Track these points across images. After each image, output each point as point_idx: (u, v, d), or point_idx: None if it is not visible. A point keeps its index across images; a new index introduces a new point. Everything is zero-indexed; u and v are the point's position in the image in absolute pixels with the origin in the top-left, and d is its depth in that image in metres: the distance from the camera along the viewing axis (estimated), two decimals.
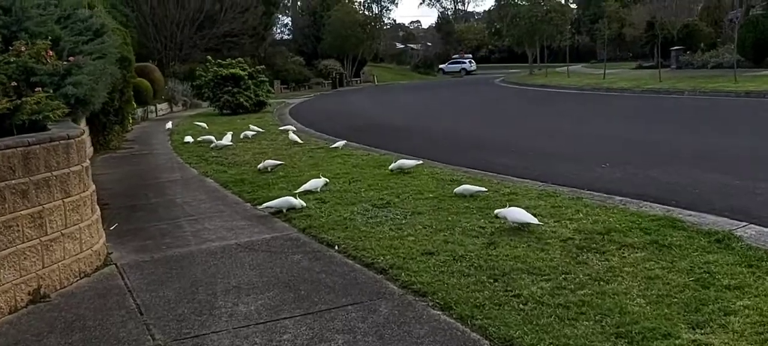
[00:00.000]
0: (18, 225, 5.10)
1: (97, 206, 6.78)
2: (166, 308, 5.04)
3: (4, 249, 4.97)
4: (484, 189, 8.26)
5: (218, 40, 43.83)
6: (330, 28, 56.09)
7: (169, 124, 20.86)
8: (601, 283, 5.00)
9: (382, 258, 5.84)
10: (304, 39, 61.71)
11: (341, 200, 8.42)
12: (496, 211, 6.86)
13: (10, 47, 7.34)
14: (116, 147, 16.32)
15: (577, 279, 5.09)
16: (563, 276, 5.16)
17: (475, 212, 7.34)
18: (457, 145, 14.55)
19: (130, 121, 21.31)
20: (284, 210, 7.89)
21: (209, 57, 29.69)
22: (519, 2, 51.89)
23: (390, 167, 10.19)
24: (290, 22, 69.37)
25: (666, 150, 12.29)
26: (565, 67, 47.98)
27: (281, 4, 60.45)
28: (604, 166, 10.57)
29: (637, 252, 5.71)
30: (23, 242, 5.15)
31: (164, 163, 13.42)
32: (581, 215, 7.02)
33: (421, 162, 10.56)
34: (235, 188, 9.78)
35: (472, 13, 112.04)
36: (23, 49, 7.25)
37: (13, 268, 5.04)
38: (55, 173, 5.56)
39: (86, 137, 6.55)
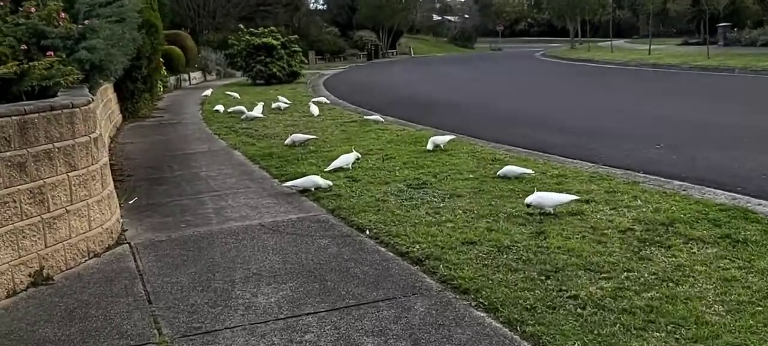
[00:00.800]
0: (15, 201, 4.61)
1: (111, 180, 6.31)
2: (178, 296, 4.53)
3: (0, 228, 4.49)
4: (529, 171, 7.60)
5: (251, 9, 43.40)
6: None
7: (207, 92, 20.48)
8: (670, 284, 4.35)
9: (417, 246, 5.24)
10: (338, 9, 60.83)
11: (374, 178, 7.83)
12: (527, 199, 6.16)
13: (20, 8, 6.88)
14: (146, 115, 15.97)
15: (642, 279, 4.45)
16: (625, 274, 4.52)
17: (521, 196, 6.68)
18: (496, 120, 13.84)
19: (162, 89, 20.98)
20: (312, 189, 7.33)
21: (241, 26, 29.21)
22: None
23: (427, 147, 9.53)
24: None
25: (725, 131, 11.41)
26: (607, 42, 46.47)
27: None
28: (658, 147, 9.80)
29: (707, 248, 5.03)
30: (22, 220, 4.67)
31: (192, 133, 12.97)
32: (639, 201, 6.33)
33: (454, 137, 9.93)
34: (262, 162, 9.26)
35: None
36: (33, 10, 6.79)
37: (11, 247, 4.57)
38: (57, 145, 5.06)
39: (94, 106, 6.03)
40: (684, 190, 6.89)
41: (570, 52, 45.28)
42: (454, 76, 30.83)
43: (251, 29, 28.04)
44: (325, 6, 65.34)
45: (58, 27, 7.05)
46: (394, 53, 60.03)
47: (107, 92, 13.28)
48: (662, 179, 7.49)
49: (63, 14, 7.37)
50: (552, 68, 33.58)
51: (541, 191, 6.83)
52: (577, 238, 5.31)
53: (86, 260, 5.34)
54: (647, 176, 7.66)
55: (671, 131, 11.43)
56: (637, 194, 6.61)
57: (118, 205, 6.41)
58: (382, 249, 5.35)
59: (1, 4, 6.83)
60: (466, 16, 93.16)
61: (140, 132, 13.31)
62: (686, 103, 16.65)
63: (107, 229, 5.72)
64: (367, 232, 5.79)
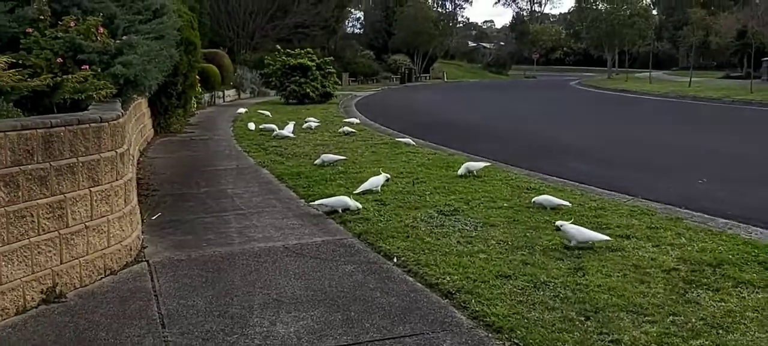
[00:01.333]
0: (33, 215, 4.45)
1: (135, 196, 6.15)
2: (193, 321, 4.30)
3: (14, 242, 4.33)
4: (566, 203, 7.27)
5: (289, 31, 43.67)
6: (402, 24, 55.31)
7: (240, 110, 20.48)
8: (720, 331, 4.01)
9: (448, 278, 4.96)
10: (375, 33, 61.07)
11: (403, 203, 7.57)
12: (558, 222, 5.89)
13: (60, 22, 6.83)
14: (177, 130, 15.92)
15: (689, 324, 4.11)
16: (671, 318, 4.18)
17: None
18: (530, 148, 13.50)
19: (195, 106, 21.02)
20: (339, 210, 7.10)
21: (279, 47, 29.35)
22: (599, 5, 49.81)
23: (458, 172, 9.26)
24: (362, 17, 68.95)
25: None
26: (644, 73, 45.78)
27: None
28: (701, 182, 9.38)
29: (758, 292, 4.66)
30: (38, 235, 4.50)
31: (222, 150, 12.87)
32: (683, 239, 5.97)
33: (488, 163, 9.60)
34: (290, 182, 9.07)
35: (547, 14, 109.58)
36: (72, 24, 6.74)
37: (24, 263, 4.39)
38: (81, 159, 4.90)
39: (124, 121, 5.89)
40: (730, 228, 6.51)
41: (606, 81, 44.68)
42: (488, 101, 30.51)
43: (288, 50, 28.15)
44: (362, 30, 65.73)
45: (95, 42, 6.99)
46: (427, 77, 59.94)
47: (141, 107, 13.27)
48: (706, 215, 7.10)
49: (102, 29, 7.33)
50: (588, 98, 33.05)
51: (578, 223, 6.53)
52: (618, 276, 4.97)
53: (102, 278, 5.15)
54: (690, 212, 7.28)
55: (715, 165, 10.99)
56: (681, 231, 6.25)
57: (140, 221, 6.25)
58: (410, 279, 5.08)
59: (41, 17, 6.78)
60: (502, 43, 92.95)
61: (170, 147, 13.24)
62: (729, 137, 16.11)
63: (126, 246, 5.54)
64: (395, 259, 5.52)
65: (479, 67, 79.24)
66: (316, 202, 7.27)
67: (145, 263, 5.57)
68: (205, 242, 6.16)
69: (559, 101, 30.98)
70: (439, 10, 66.36)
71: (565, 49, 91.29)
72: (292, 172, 9.81)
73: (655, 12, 58.84)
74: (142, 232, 6.29)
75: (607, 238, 5.80)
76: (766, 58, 35.24)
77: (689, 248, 5.65)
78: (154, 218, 7.15)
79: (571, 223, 5.90)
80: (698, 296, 4.57)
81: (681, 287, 4.72)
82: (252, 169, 10.52)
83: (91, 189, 5.08)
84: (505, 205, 7.43)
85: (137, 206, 6.18)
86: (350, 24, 66.96)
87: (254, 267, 5.39)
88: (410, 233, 6.24)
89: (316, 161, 10.44)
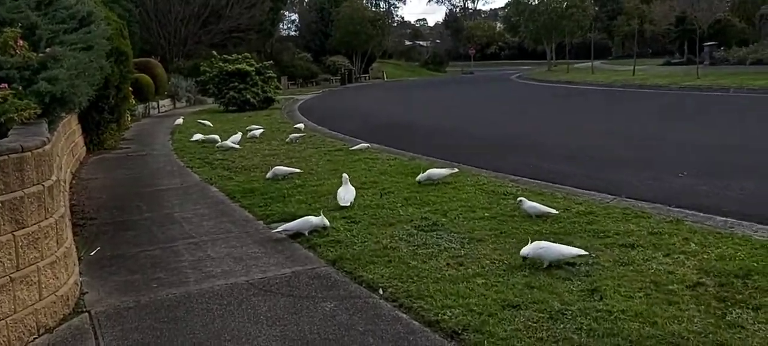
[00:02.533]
0: None
1: (69, 233, 5.24)
2: None
3: None
4: (553, 210, 6.66)
5: (224, 36, 42.30)
6: (339, 24, 54.51)
7: (178, 120, 19.33)
8: None
9: (448, 313, 4.25)
10: (311, 35, 60.08)
11: (375, 218, 6.84)
12: (523, 250, 5.15)
13: None
14: (112, 147, 14.77)
15: None
16: None
17: (552, 238, 5.75)
18: (491, 147, 12.94)
19: (129, 118, 19.78)
20: (306, 233, 6.33)
21: (214, 52, 28.20)
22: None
23: (418, 179, 8.57)
24: (297, 18, 67.81)
25: (747, 156, 10.64)
26: (582, 64, 46.26)
27: (288, 0, 58.89)
28: (681, 176, 8.95)
29: None
30: None
31: (163, 166, 11.85)
32: (693, 245, 5.43)
33: (454, 170, 8.93)
34: (244, 201, 8.21)
35: (480, 11, 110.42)
36: None
37: None
38: (0, 199, 4.00)
39: (51, 147, 4.99)
40: (731, 227, 6.03)
41: (548, 74, 44.87)
42: (433, 100, 30.00)
43: (225, 55, 27.03)
44: (298, 32, 64.65)
45: (14, 56, 6.07)
46: (367, 78, 59.33)
47: (70, 124, 12.14)
48: (702, 214, 6.62)
49: (21, 42, 6.41)
50: (534, 91, 32.88)
51: (570, 232, 5.95)
52: (640, 296, 4.37)
53: (35, 339, 4.26)
54: (683, 210, 6.80)
55: (689, 157, 10.61)
56: (687, 235, 5.71)
57: (76, 262, 5.34)
58: (404, 316, 4.35)
59: None
60: (438, 40, 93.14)
61: (106, 166, 12.15)
62: (692, 125, 15.83)
63: (62, 296, 4.65)
64: (381, 291, 4.79)
65: (417, 65, 79.10)
66: (279, 228, 6.45)
67: (86, 314, 4.68)
68: (155, 282, 5.29)
69: (504, 97, 30.71)
70: (374, 9, 65.87)
71: (500, 43, 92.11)
72: (243, 188, 8.95)
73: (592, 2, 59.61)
74: (80, 273, 5.38)
75: (582, 252, 5.17)
76: (707, 43, 35.90)
77: (705, 256, 5.10)
78: (92, 253, 6.22)
79: (536, 243, 5.23)
80: (739, 317, 3.99)
81: (716, 308, 4.15)
82: (198, 187, 9.60)
83: (14, 233, 4.20)
84: (486, 215, 6.78)
85: (73, 244, 5.26)
86: (285, 26, 65.86)
87: (217, 312, 4.57)
88: (391, 256, 5.51)
89: (268, 175, 9.60)
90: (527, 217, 6.54)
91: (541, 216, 6.53)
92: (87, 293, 5.09)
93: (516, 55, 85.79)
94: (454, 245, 5.74)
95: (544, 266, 5.00)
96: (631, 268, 4.94)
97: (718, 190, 8.03)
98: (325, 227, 6.42)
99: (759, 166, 9.60)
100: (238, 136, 14.27)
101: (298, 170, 9.80)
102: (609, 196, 7.65)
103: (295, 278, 5.22)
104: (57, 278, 4.63)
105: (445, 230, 6.27)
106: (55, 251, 4.67)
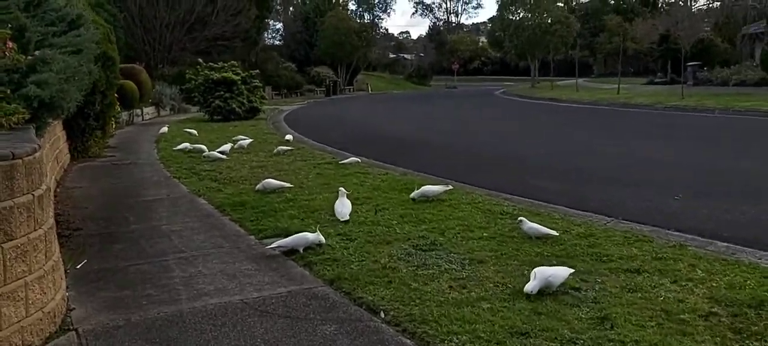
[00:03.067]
0: None
1: (57, 246, 5.01)
2: None
3: None
4: (553, 232, 6.53)
5: (208, 43, 41.96)
6: (324, 34, 54.42)
7: (163, 129, 19.05)
8: None
9: (455, 340, 4.10)
10: (296, 45, 59.93)
11: (371, 236, 6.67)
12: (528, 286, 4.90)
13: None
14: (96, 154, 14.48)
15: None
16: None
17: (554, 261, 5.63)
18: (481, 164, 12.85)
19: (114, 125, 19.47)
20: (300, 250, 6.15)
21: (200, 60, 27.92)
22: (520, 13, 50.36)
23: (412, 196, 8.42)
24: (282, 28, 67.61)
25: (740, 179, 10.61)
26: (565, 81, 46.50)
27: (273, 9, 58.67)
28: (677, 198, 8.88)
29: None
30: None
31: (149, 176, 11.60)
32: (700, 271, 5.33)
33: (449, 187, 8.79)
34: (234, 214, 8.00)
35: (463, 25, 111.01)
36: None
37: None
38: None
39: (41, 155, 4.77)
40: (734, 254, 5.95)
41: (533, 90, 45.02)
42: (420, 115, 29.87)
43: (210, 63, 26.74)
44: (282, 41, 64.44)
45: (3, 58, 5.85)
46: (352, 89, 59.29)
47: (55, 130, 11.86)
48: (703, 239, 6.53)
49: (10, 43, 6.19)
50: (521, 108, 32.86)
51: (572, 255, 5.83)
52: (652, 327, 4.24)
53: None
54: (683, 234, 6.72)
55: (682, 178, 10.56)
56: (692, 261, 5.61)
57: (63, 276, 5.11)
58: (408, 342, 4.19)
59: None
60: (422, 54, 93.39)
61: (91, 174, 11.87)
62: (681, 145, 15.79)
63: (49, 312, 4.43)
64: (383, 314, 4.62)
65: (401, 78, 79.24)
66: (274, 244, 6.26)
67: (74, 332, 4.47)
68: (145, 299, 5.08)
69: (492, 113, 30.67)
70: (359, 21, 65.85)
71: (483, 58, 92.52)
72: (233, 201, 8.74)
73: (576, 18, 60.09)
74: (67, 288, 5.16)
75: (571, 270, 5.10)
76: (690, 63, 36.19)
77: (714, 285, 4.99)
78: (78, 266, 6.00)
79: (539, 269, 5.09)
80: None
81: (731, 339, 4.03)
82: (186, 199, 9.37)
83: (2, 246, 3.99)
84: (484, 234, 6.64)
85: (60, 258, 5.04)
86: (270, 35, 65.63)
87: (212, 334, 4.37)
88: (391, 276, 5.35)
89: (258, 187, 9.40)
90: (527, 238, 6.41)
91: (542, 238, 6.41)
92: (74, 309, 4.87)
93: (498, 71, 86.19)
94: (455, 266, 5.59)
95: (551, 291, 4.87)
96: (640, 295, 4.82)
97: (717, 213, 7.96)
98: (320, 244, 6.26)
99: (754, 189, 9.57)
100: (228, 146, 14.07)
101: (288, 185, 9.59)
102: (606, 217, 7.55)
103: (292, 297, 5.04)
104: (44, 293, 4.42)
105: (444, 249, 6.12)
106: (44, 265, 4.46)
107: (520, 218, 6.66)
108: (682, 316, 4.39)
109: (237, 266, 5.90)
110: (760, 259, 5.77)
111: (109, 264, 6.06)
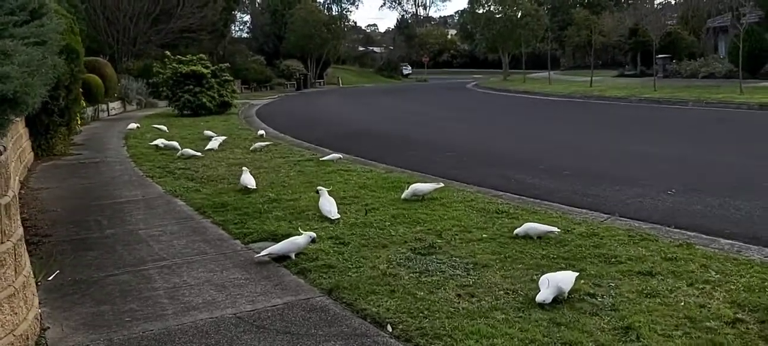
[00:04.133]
0: None
1: (27, 259, 4.57)
2: None
3: None
4: (554, 229, 6.27)
5: (175, 36, 41.07)
6: (293, 26, 53.75)
7: (132, 125, 18.40)
8: None
9: None
10: (264, 37, 59.16)
11: (366, 239, 6.32)
12: (539, 297, 4.55)
13: None
14: (62, 152, 13.87)
15: None
16: None
17: (562, 263, 5.35)
18: (465, 159, 12.56)
19: (79, 121, 18.79)
20: (292, 256, 5.78)
21: (167, 53, 27.19)
22: (491, 6, 50.29)
23: (403, 196, 8.04)
24: (250, 20, 66.67)
25: (727, 172, 10.49)
26: (536, 74, 46.56)
27: (241, 1, 57.74)
28: (670, 193, 8.68)
29: None
30: None
31: (120, 175, 11.08)
32: (713, 272, 5.09)
33: (441, 185, 8.46)
34: (216, 216, 7.58)
35: (431, 18, 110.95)
36: None
37: None
38: None
39: (6, 157, 4.33)
40: (739, 251, 5.73)
41: (505, 83, 44.95)
42: (396, 108, 29.49)
43: (179, 56, 26.03)
44: (251, 34, 63.55)
45: None
46: (323, 83, 58.75)
47: (18, 127, 11.28)
48: (705, 236, 6.31)
49: None
50: (496, 101, 32.62)
51: (577, 256, 5.57)
52: (679, 336, 3.97)
53: None
54: (683, 231, 6.49)
55: (672, 172, 10.36)
56: (703, 261, 5.37)
57: (35, 292, 4.66)
58: None
59: None
60: (391, 47, 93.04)
61: (57, 174, 11.30)
62: (664, 138, 15.59)
63: (21, 335, 4.00)
64: (390, 328, 4.27)
65: (372, 71, 78.82)
66: (263, 252, 5.85)
67: None
68: (127, 316, 4.66)
69: (467, 105, 30.41)
70: (327, 13, 65.18)
71: (452, 51, 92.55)
72: (213, 202, 8.32)
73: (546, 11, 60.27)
74: (40, 302, 4.72)
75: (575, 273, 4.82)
76: (660, 56, 36.45)
77: (732, 287, 4.75)
78: (50, 278, 5.54)
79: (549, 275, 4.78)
80: None
81: None
82: (162, 199, 8.91)
83: None
84: (484, 236, 6.34)
85: (31, 273, 4.60)
86: (238, 28, 64.67)
87: None
88: (393, 284, 5.01)
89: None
90: (527, 238, 6.12)
91: (542, 237, 6.13)
92: (48, 328, 4.44)
93: (468, 64, 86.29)
94: (459, 272, 5.27)
95: (564, 298, 4.58)
96: (658, 300, 4.55)
97: (713, 209, 7.77)
98: (314, 240, 5.87)
99: (743, 183, 9.41)
100: (221, 139, 13.90)
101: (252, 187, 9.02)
102: (602, 214, 7.31)
103: (289, 310, 4.67)
104: (15, 313, 3.99)
105: (445, 253, 5.80)
106: (13, 282, 4.03)
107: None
108: (707, 324, 4.13)
109: (225, 275, 5.50)
110: (766, 256, 5.56)
111: (84, 275, 5.61)
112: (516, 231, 6.27)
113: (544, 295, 4.51)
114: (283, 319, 4.51)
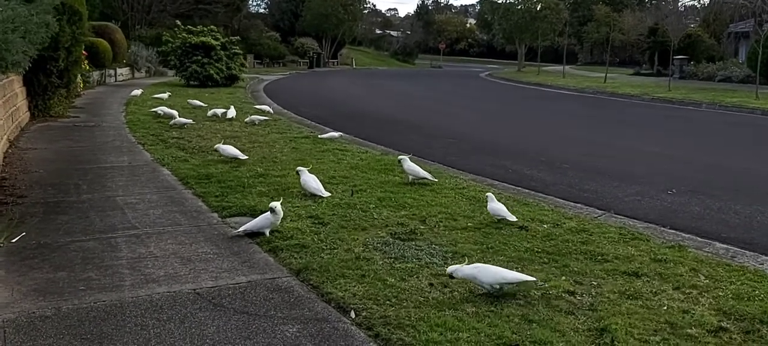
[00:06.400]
0: None
1: None
2: None
3: None
4: (512, 217, 6.12)
5: (190, 7, 40.94)
6: (310, 5, 53.25)
7: (135, 92, 18.16)
8: None
9: None
10: (281, 14, 58.71)
11: (346, 220, 6.09)
12: (449, 269, 4.50)
13: None
14: (59, 114, 13.72)
15: None
16: None
17: (545, 258, 5.10)
18: (465, 147, 12.27)
19: (81, 84, 18.64)
20: (267, 233, 5.55)
21: (178, 22, 26.95)
22: None
23: (407, 180, 7.83)
24: None
25: (731, 176, 10.16)
26: (551, 67, 45.94)
27: None
28: (670, 193, 8.39)
29: None
30: None
31: (112, 140, 10.89)
32: (703, 277, 4.83)
33: (435, 180, 8.18)
34: (198, 188, 7.37)
35: (451, 5, 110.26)
36: None
37: None
38: None
39: None
40: (734, 257, 5.46)
41: (519, 75, 44.40)
42: (406, 92, 29.16)
43: (189, 26, 25.78)
44: (267, 10, 63.19)
45: None
46: (336, 63, 58.32)
47: (12, 86, 11.11)
48: (700, 239, 6.04)
49: None
50: (508, 91, 32.16)
51: (564, 251, 5.31)
52: (656, 342, 3.72)
53: None
54: (679, 232, 6.24)
55: (674, 172, 10.06)
56: (693, 265, 5.10)
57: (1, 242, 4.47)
58: None
59: None
60: (408, 32, 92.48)
61: (49, 135, 11.13)
62: (672, 138, 15.26)
63: None
64: (353, 314, 4.05)
65: (387, 55, 78.33)
66: (240, 229, 5.63)
67: None
68: (83, 284, 4.46)
69: (478, 94, 30.04)
70: None
71: (469, 40, 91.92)
72: (199, 173, 8.11)
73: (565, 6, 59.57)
74: None
75: (530, 278, 4.44)
76: (677, 57, 35.89)
77: (720, 294, 4.48)
78: (14, 240, 5.35)
79: (474, 265, 4.54)
80: None
81: None
82: (148, 167, 8.71)
83: None
84: (469, 224, 6.09)
85: None
86: (255, 3, 64.38)
87: (154, 331, 3.77)
88: (365, 269, 4.77)
89: (214, 147, 9.06)
90: (510, 226, 5.89)
91: (522, 228, 5.89)
92: None
93: (485, 53, 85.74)
94: (436, 260, 5.03)
95: (484, 290, 4.32)
96: (640, 303, 4.29)
97: (712, 212, 7.48)
98: (274, 211, 5.57)
99: (746, 187, 9.11)
100: (233, 110, 13.99)
101: (244, 157, 8.92)
102: (597, 210, 7.06)
103: (252, 289, 4.45)
104: None
105: (425, 240, 5.56)
106: None
107: (488, 194, 6.22)
108: (688, 330, 3.88)
109: (194, 249, 5.29)
110: (762, 264, 5.29)
111: (49, 239, 5.42)
112: (489, 211, 6.08)
113: (457, 270, 4.43)
114: (244, 298, 4.29)
